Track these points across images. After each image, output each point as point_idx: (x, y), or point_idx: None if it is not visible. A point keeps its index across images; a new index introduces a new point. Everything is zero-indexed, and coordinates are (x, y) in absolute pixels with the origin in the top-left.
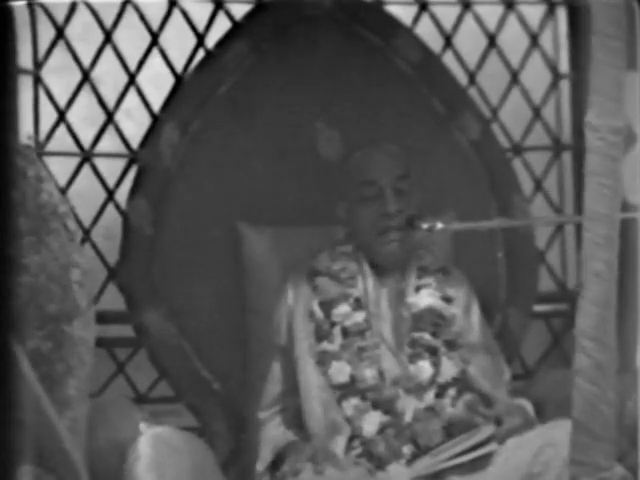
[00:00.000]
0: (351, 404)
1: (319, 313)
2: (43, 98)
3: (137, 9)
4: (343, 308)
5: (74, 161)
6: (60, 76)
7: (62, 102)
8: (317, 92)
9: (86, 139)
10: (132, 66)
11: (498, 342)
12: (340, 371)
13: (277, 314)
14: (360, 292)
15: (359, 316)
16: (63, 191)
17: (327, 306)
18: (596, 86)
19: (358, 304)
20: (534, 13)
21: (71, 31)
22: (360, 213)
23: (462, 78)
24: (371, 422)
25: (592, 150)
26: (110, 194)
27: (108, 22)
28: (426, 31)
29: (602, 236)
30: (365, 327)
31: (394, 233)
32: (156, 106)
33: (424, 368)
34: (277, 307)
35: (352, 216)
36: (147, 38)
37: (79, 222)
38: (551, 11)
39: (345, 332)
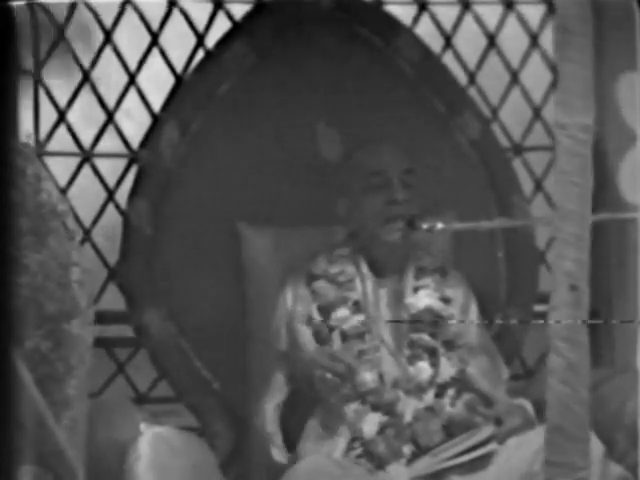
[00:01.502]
0: (351, 408)
1: (318, 317)
2: (43, 98)
3: (137, 9)
4: (342, 312)
5: (74, 161)
6: (60, 76)
7: (62, 102)
8: (317, 92)
9: (86, 139)
10: (132, 66)
11: (498, 342)
12: None
13: (276, 319)
14: (359, 295)
15: (358, 319)
16: (63, 191)
17: (326, 310)
18: (563, 84)
19: (357, 307)
20: (534, 13)
21: (71, 31)
22: (366, 203)
23: (462, 78)
24: (371, 423)
25: (561, 148)
26: (110, 194)
27: (108, 22)
28: (426, 31)
29: (573, 235)
30: (364, 330)
31: (400, 222)
32: (156, 106)
33: (423, 369)
34: (276, 312)
35: (356, 209)
36: (147, 38)
37: (79, 222)
38: (551, 11)
39: (344, 336)
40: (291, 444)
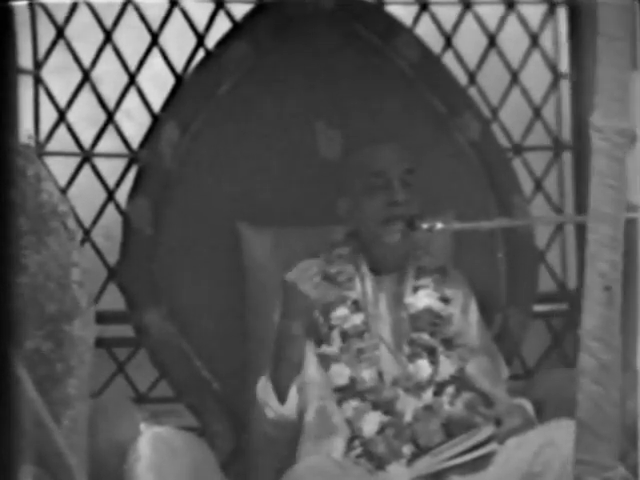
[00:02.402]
0: (351, 406)
1: (318, 317)
2: (43, 98)
3: (137, 9)
4: (341, 311)
5: (74, 161)
6: (60, 76)
7: (62, 102)
8: (317, 92)
9: (86, 139)
10: (132, 66)
11: (498, 342)
12: (339, 374)
13: (276, 318)
14: (358, 294)
15: (357, 318)
16: (63, 191)
17: (325, 309)
18: (601, 87)
19: (356, 306)
20: (534, 13)
21: (71, 31)
22: (366, 204)
23: (462, 78)
24: (371, 422)
25: (597, 151)
26: (110, 194)
27: (108, 22)
28: (426, 31)
29: (608, 236)
30: (364, 329)
31: (400, 223)
32: (156, 106)
33: (423, 367)
34: (275, 311)
35: (356, 209)
36: (147, 38)
37: (79, 222)
38: (551, 11)
39: (344, 335)
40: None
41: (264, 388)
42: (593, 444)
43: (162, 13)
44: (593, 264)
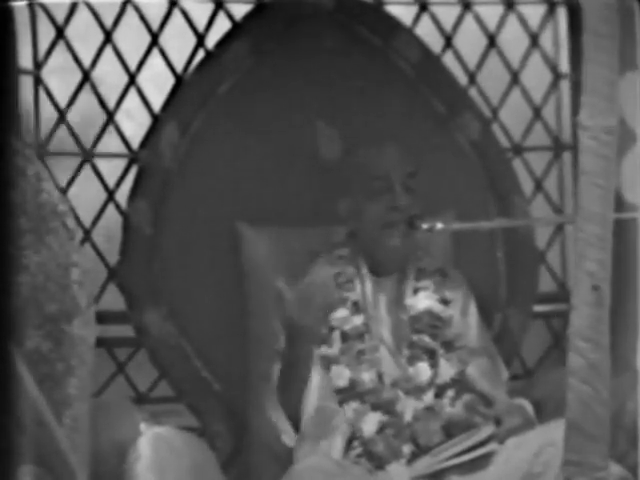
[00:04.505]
0: (351, 408)
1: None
2: (43, 98)
3: (137, 9)
4: (341, 312)
5: (74, 161)
6: (60, 76)
7: (62, 102)
8: (317, 92)
9: (86, 139)
10: (132, 66)
11: (498, 343)
12: (340, 375)
13: (275, 320)
14: (358, 296)
15: (357, 320)
16: (63, 191)
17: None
18: (588, 85)
19: (356, 308)
20: (534, 13)
21: (71, 31)
22: (368, 207)
23: (462, 78)
24: (370, 422)
25: (584, 150)
26: (110, 194)
27: (108, 22)
28: (426, 31)
29: (595, 235)
30: (364, 330)
31: (400, 228)
32: (156, 106)
33: (423, 370)
34: (275, 313)
35: (358, 211)
36: (147, 38)
37: (79, 222)
38: (551, 11)
39: (344, 336)
40: (296, 426)
41: (276, 412)
42: (583, 445)
43: (162, 13)
44: (581, 263)
